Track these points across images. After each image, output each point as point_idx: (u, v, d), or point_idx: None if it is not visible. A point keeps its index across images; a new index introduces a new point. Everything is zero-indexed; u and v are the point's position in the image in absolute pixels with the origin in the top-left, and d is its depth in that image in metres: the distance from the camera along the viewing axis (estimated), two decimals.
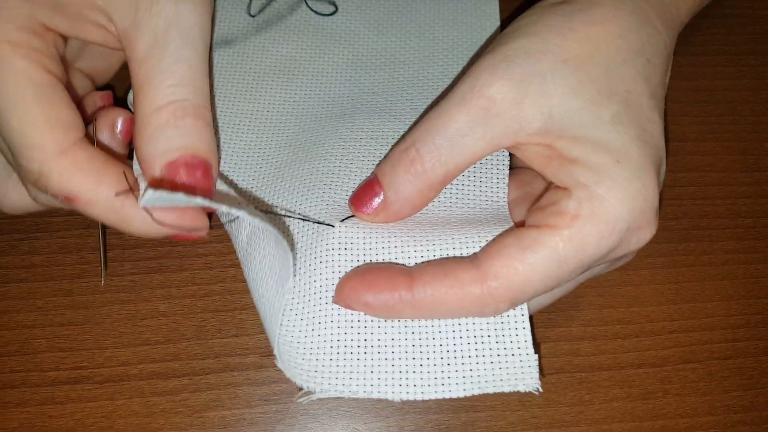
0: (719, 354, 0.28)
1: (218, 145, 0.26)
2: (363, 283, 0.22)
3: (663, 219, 0.30)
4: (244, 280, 0.26)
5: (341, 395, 0.22)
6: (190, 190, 0.21)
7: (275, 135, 0.29)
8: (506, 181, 0.25)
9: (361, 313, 0.23)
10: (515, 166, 0.26)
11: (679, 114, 0.33)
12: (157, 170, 0.21)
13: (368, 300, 0.22)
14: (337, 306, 0.23)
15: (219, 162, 0.25)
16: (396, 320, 0.23)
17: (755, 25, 0.37)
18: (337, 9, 0.33)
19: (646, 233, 0.22)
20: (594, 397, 0.27)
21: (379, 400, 0.26)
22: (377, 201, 0.23)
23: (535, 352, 0.22)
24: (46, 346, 0.26)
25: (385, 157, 0.24)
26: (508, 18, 0.36)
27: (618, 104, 0.22)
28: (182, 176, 0.21)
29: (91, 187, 0.21)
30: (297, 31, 0.33)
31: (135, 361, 0.26)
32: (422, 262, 0.23)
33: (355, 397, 0.22)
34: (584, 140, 0.21)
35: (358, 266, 0.23)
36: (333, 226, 0.24)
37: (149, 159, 0.22)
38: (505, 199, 0.25)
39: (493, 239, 0.22)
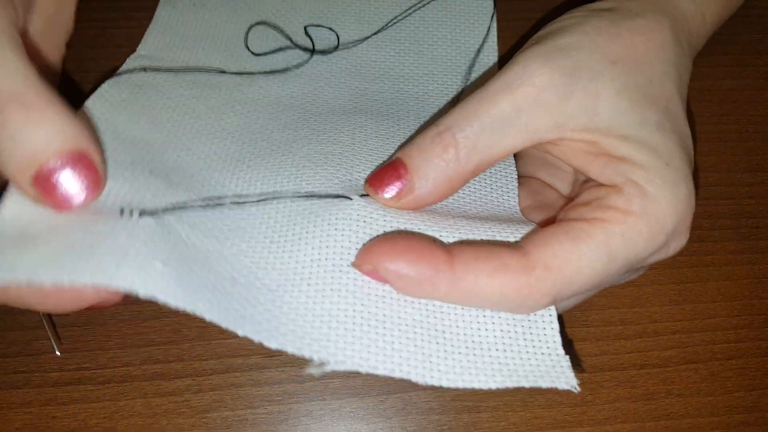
0: (722, 354, 0.28)
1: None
2: (397, 247, 0.20)
3: None
4: None
5: (359, 369, 0.19)
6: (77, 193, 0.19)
7: (272, 125, 0.29)
8: (516, 190, 0.25)
9: (380, 287, 0.21)
10: (521, 176, 0.26)
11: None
12: (29, 190, 0.19)
13: (400, 269, 0.19)
14: (352, 275, 0.21)
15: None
16: (417, 301, 0.21)
17: (760, 26, 0.36)
18: (339, 44, 0.33)
19: (683, 239, 0.22)
20: (596, 397, 0.27)
21: (382, 401, 0.26)
22: (400, 184, 0.22)
23: (568, 353, 0.21)
24: (48, 346, 0.26)
25: (409, 142, 0.23)
26: (510, 19, 0.36)
27: (660, 112, 0.22)
28: (60, 187, 0.19)
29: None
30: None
31: (138, 362, 0.26)
32: (458, 241, 0.21)
33: (374, 373, 0.19)
34: (632, 139, 0.21)
35: (388, 232, 0.21)
36: (351, 199, 0.22)
37: (13, 181, 0.19)
38: (517, 207, 0.25)
39: (537, 230, 0.21)
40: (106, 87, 0.28)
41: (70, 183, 0.19)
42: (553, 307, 0.22)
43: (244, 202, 0.23)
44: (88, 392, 0.26)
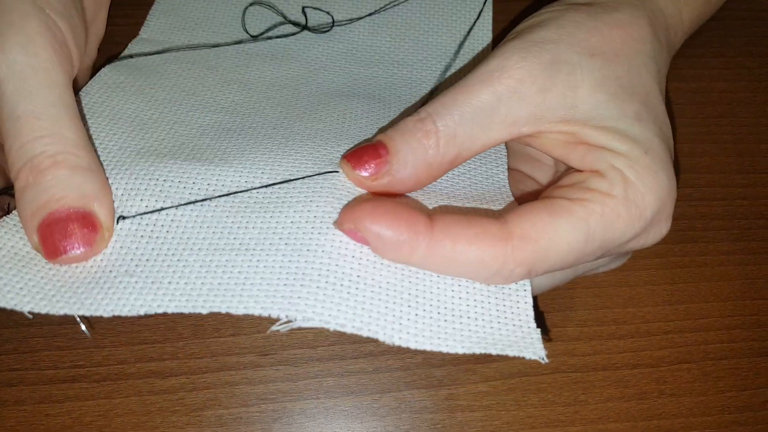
0: (714, 355, 0.28)
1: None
2: (379, 209, 0.20)
3: None
4: None
5: (326, 326, 0.19)
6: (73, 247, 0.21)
7: (266, 103, 0.29)
8: (506, 173, 0.25)
9: (357, 248, 0.21)
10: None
11: (676, 115, 0.34)
12: (34, 237, 0.21)
13: (380, 229, 0.19)
14: (330, 237, 0.21)
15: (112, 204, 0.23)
16: (394, 265, 0.21)
17: (753, 27, 0.37)
18: (333, 24, 0.33)
19: (663, 228, 0.22)
20: (589, 397, 0.27)
21: (376, 399, 0.26)
22: (378, 163, 0.21)
23: (541, 325, 0.21)
24: (43, 344, 0.26)
25: (391, 126, 0.23)
26: (504, 20, 0.36)
27: (639, 103, 0.22)
28: (58, 235, 0.20)
29: None
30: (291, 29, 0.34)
31: (132, 360, 0.26)
32: (441, 206, 0.22)
33: (341, 330, 0.19)
34: (611, 130, 0.22)
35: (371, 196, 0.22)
36: (337, 171, 0.23)
37: (24, 225, 0.21)
38: (508, 191, 0.25)
39: (519, 205, 0.22)
40: (105, 71, 0.29)
41: (67, 236, 0.21)
42: (528, 281, 0.22)
43: (228, 194, 0.23)
44: (83, 390, 0.26)
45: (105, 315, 0.20)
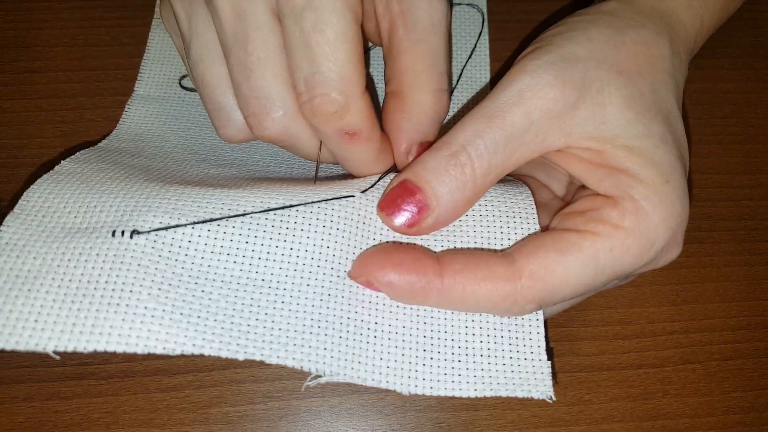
0: (719, 355, 0.28)
1: None
2: (390, 261, 0.20)
3: None
4: None
5: (350, 381, 0.20)
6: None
7: (269, 158, 0.30)
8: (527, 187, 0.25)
9: (373, 294, 0.22)
10: (519, 175, 0.26)
11: (682, 116, 0.33)
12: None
13: (392, 280, 0.20)
14: (349, 281, 0.21)
15: None
16: (409, 307, 0.22)
17: (760, 28, 0.37)
18: None
19: (674, 253, 0.22)
20: (594, 396, 0.27)
21: (381, 398, 0.26)
22: (416, 210, 0.21)
23: (549, 359, 0.21)
24: None
25: (417, 162, 0.22)
26: (510, 20, 0.36)
27: (663, 123, 0.22)
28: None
29: (374, 126, 0.23)
30: None
31: (140, 358, 0.27)
32: (448, 249, 0.22)
33: (362, 384, 0.21)
34: (636, 151, 0.21)
35: (381, 243, 0.22)
36: (353, 195, 0.23)
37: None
38: (532, 204, 0.24)
39: (528, 238, 0.22)
40: (105, 142, 0.29)
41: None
42: (540, 312, 0.22)
43: (244, 214, 0.22)
44: (91, 387, 0.26)
45: (139, 352, 0.19)
